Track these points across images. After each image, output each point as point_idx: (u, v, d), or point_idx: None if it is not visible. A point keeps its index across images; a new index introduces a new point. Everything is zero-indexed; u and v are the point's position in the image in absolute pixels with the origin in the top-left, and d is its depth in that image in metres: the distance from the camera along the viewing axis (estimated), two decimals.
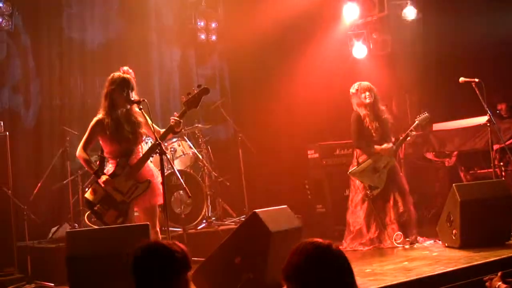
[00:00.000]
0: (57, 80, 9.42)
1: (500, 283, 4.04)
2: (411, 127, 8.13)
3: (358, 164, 8.02)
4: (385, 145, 7.99)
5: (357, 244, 7.91)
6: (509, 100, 10.02)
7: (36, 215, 7.98)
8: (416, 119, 8.21)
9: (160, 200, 5.85)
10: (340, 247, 7.93)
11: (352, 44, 10.68)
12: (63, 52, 9.52)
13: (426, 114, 8.20)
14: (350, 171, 8.09)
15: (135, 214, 6.06)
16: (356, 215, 8.01)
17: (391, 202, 7.88)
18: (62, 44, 9.55)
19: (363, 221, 7.92)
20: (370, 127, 8.00)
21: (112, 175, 5.82)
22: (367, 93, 8.04)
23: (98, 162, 6.00)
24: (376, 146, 7.99)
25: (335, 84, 10.44)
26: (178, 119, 5.87)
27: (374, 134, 8.01)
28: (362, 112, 8.04)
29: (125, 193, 5.79)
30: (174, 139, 8.64)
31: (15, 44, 9.11)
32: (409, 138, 8.16)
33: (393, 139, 8.19)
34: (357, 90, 8.11)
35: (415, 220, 7.97)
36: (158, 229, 5.93)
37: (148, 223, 5.45)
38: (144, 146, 6.39)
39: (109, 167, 5.94)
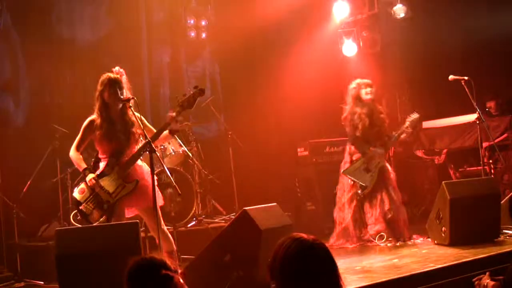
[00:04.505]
0: (46, 78, 9.37)
1: (488, 280, 4.07)
2: (402, 129, 8.10)
3: (352, 162, 8.01)
4: (378, 149, 7.98)
5: (343, 241, 7.92)
6: (499, 98, 10.06)
7: (26, 213, 7.95)
8: (406, 120, 8.19)
9: (158, 201, 5.85)
10: (327, 244, 7.99)
11: (342, 42, 10.69)
12: (53, 50, 9.46)
13: (416, 114, 8.19)
14: (344, 170, 8.07)
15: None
16: (344, 213, 8.01)
17: (378, 200, 7.87)
18: (51, 42, 9.49)
19: (351, 220, 7.92)
20: (364, 124, 7.99)
21: (100, 175, 5.83)
22: (369, 89, 8.02)
23: (92, 163, 6.01)
24: (371, 148, 7.98)
25: (325, 81, 10.45)
26: (174, 115, 5.87)
27: (368, 132, 8.00)
28: (359, 108, 8.02)
29: (111, 193, 5.78)
30: None
31: (4, 42, 9.06)
32: (403, 135, 8.12)
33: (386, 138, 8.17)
34: (358, 84, 8.06)
35: (405, 219, 7.96)
36: (164, 228, 5.92)
37: (137, 221, 5.44)
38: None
39: (102, 167, 5.94)
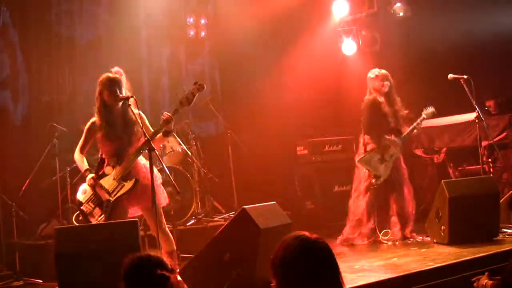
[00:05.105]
0: (45, 76, 9.36)
1: (487, 280, 4.07)
2: (418, 121, 8.06)
3: (366, 152, 7.95)
4: (393, 139, 7.94)
5: (357, 233, 7.89)
6: (498, 97, 10.05)
7: (25, 212, 7.95)
8: (423, 113, 8.16)
9: (161, 200, 5.85)
10: (340, 236, 7.96)
11: (342, 40, 10.68)
12: (52, 48, 9.46)
13: (432, 108, 8.17)
14: (358, 159, 8.00)
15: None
16: (357, 204, 7.96)
17: (395, 194, 7.87)
18: (50, 40, 9.49)
19: (364, 211, 7.86)
20: (385, 114, 7.94)
21: (101, 175, 5.86)
22: (385, 82, 7.97)
23: (97, 163, 6.04)
24: (387, 136, 7.93)
25: (325, 80, 10.45)
26: (170, 114, 5.85)
27: (389, 121, 7.94)
28: (376, 98, 7.97)
29: (111, 192, 5.79)
30: None
31: (3, 40, 9.04)
32: (415, 131, 8.11)
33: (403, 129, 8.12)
34: (376, 76, 7.99)
35: (412, 214, 7.94)
36: (165, 228, 5.94)
37: (137, 219, 5.44)
38: None
39: (104, 167, 5.96)
